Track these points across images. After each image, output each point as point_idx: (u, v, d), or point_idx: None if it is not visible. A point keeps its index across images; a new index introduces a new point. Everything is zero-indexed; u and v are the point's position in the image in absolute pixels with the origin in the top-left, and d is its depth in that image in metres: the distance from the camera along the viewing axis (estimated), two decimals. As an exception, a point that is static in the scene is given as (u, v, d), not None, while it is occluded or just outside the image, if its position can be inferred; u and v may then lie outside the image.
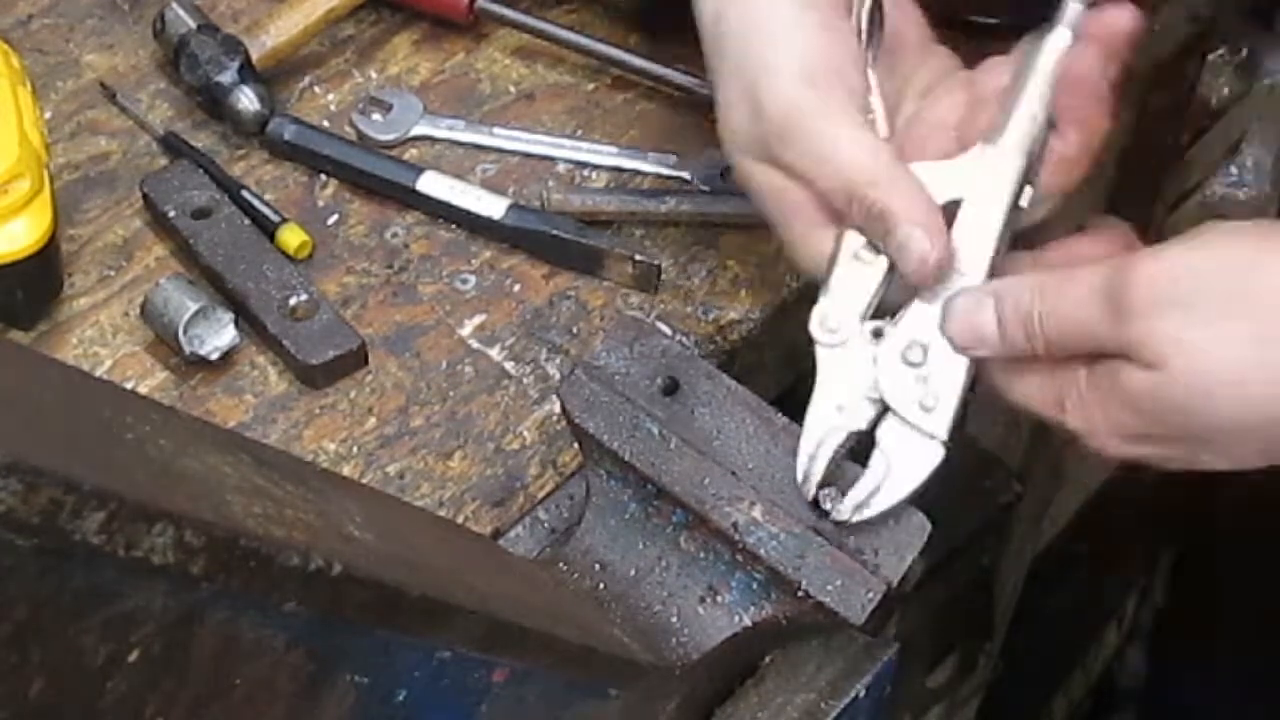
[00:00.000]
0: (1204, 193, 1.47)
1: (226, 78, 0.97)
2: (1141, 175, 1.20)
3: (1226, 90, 1.40)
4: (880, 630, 0.72)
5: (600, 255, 0.93)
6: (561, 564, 0.73)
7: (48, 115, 0.98)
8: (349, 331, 0.88)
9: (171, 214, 0.93)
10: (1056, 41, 0.73)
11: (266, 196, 0.95)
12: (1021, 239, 0.73)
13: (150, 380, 0.87)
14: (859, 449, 0.71)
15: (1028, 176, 0.72)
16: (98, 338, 0.89)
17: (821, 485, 0.70)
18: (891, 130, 0.75)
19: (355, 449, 0.85)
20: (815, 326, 0.72)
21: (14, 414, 0.39)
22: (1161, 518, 2.02)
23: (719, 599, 0.71)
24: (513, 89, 1.05)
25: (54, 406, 0.41)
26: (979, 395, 1.43)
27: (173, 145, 0.98)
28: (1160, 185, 1.29)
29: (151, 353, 0.89)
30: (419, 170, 0.97)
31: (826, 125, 0.72)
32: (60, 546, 0.38)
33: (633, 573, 0.72)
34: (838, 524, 0.70)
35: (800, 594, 0.69)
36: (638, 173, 1.00)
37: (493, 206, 0.95)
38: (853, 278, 0.72)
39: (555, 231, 0.94)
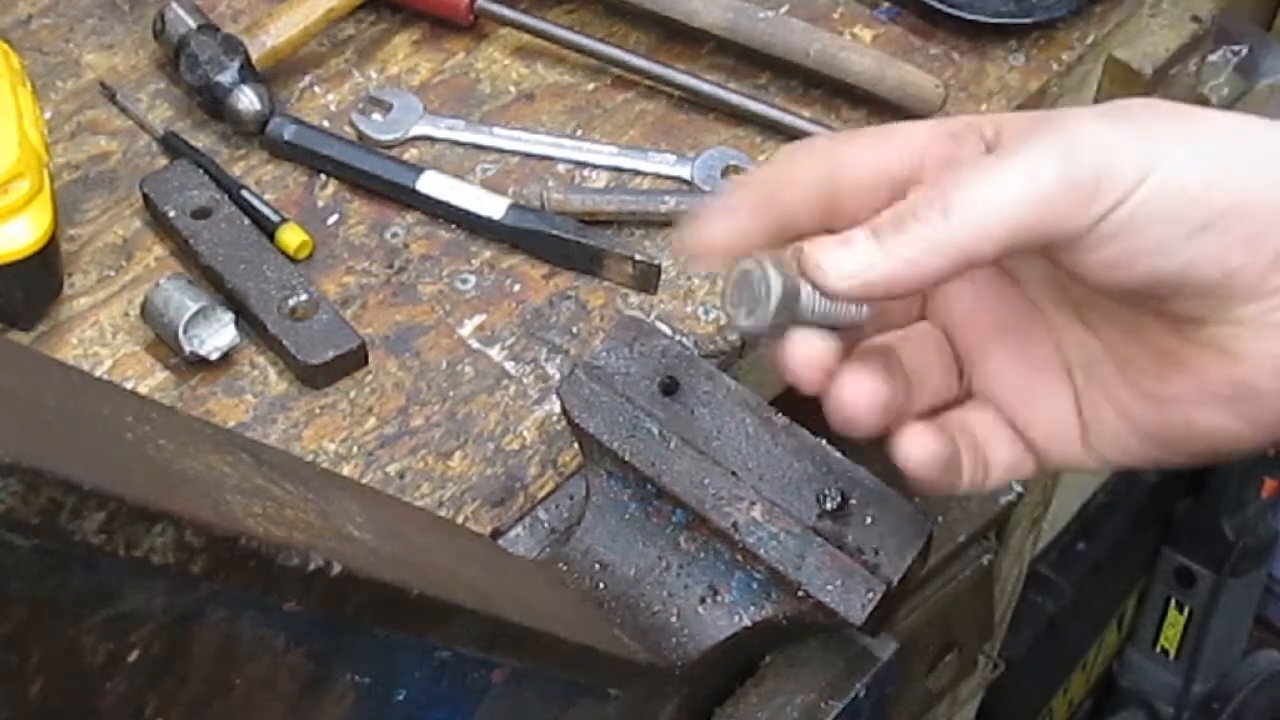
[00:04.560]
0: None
1: (226, 78, 0.97)
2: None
3: (1226, 90, 1.40)
4: (880, 630, 0.72)
5: (600, 255, 0.93)
6: (561, 564, 0.73)
7: (48, 115, 0.98)
8: (349, 331, 0.88)
9: (171, 214, 0.93)
10: None
11: (266, 196, 0.95)
12: None
13: (150, 380, 0.87)
14: None
15: None
16: (98, 338, 0.89)
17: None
18: None
19: (355, 449, 0.85)
20: None
21: (14, 414, 0.39)
22: (1161, 518, 2.02)
23: (719, 599, 0.71)
24: (513, 89, 1.05)
25: (54, 406, 0.41)
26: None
27: (173, 145, 0.98)
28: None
29: (151, 353, 0.89)
30: (419, 170, 0.97)
31: None
32: (60, 546, 0.38)
33: (633, 573, 0.72)
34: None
35: (800, 594, 0.69)
36: (638, 173, 1.00)
37: (493, 206, 0.95)
38: None
39: (555, 231, 0.94)
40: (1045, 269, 0.57)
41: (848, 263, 0.53)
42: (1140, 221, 0.51)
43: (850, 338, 0.57)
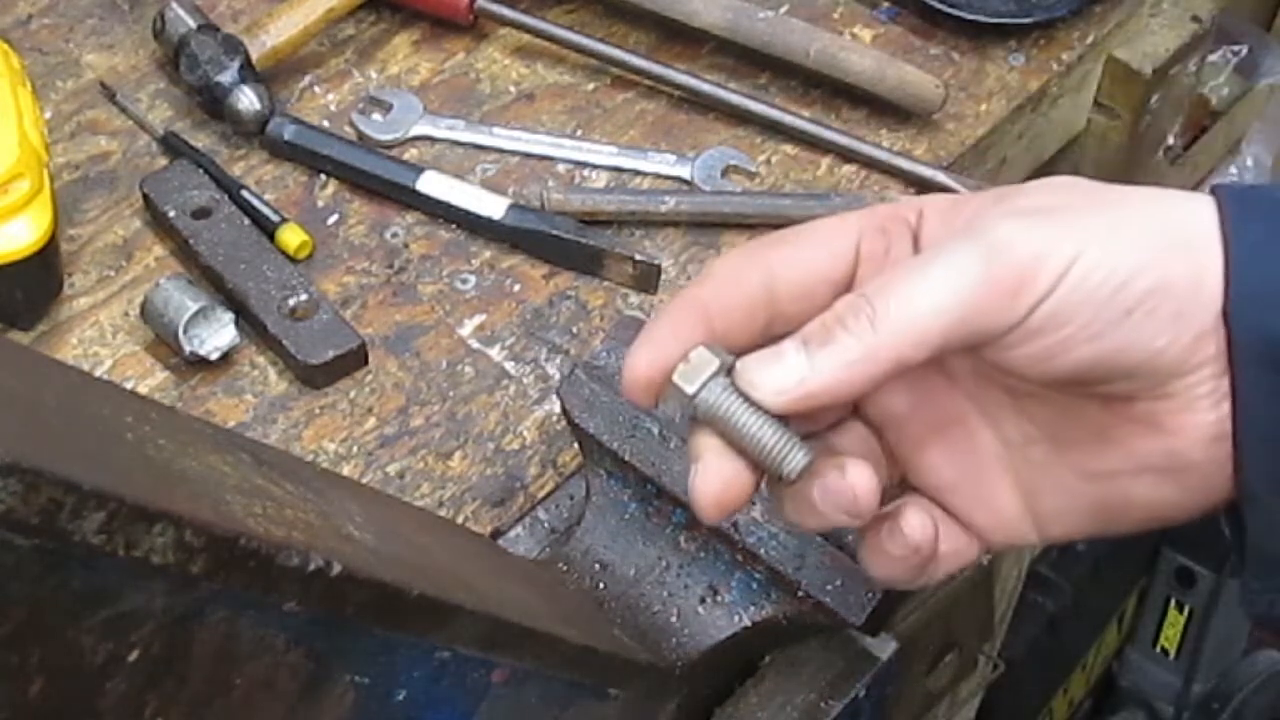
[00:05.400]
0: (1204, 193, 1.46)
1: (226, 78, 0.97)
2: (1141, 175, 1.20)
3: (1226, 90, 1.40)
4: (880, 630, 0.72)
5: (600, 255, 0.93)
6: (561, 564, 0.73)
7: (48, 115, 0.98)
8: (349, 331, 0.88)
9: (171, 214, 0.93)
10: None
11: (266, 196, 0.95)
12: None
13: (150, 380, 0.87)
14: None
15: None
16: (98, 338, 0.89)
17: None
18: None
19: (355, 449, 0.85)
20: None
21: (14, 414, 0.39)
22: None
23: (719, 599, 0.71)
24: (513, 89, 1.05)
25: (54, 406, 0.41)
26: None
27: (173, 145, 0.98)
28: (1160, 185, 1.28)
29: (151, 353, 0.89)
30: (419, 170, 0.97)
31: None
32: (60, 546, 0.38)
33: (633, 573, 0.72)
34: None
35: (800, 594, 0.69)
36: (638, 173, 1.00)
37: (493, 206, 0.95)
38: None
39: (555, 231, 0.94)
40: (977, 363, 0.57)
41: (781, 378, 0.53)
42: (1064, 315, 0.52)
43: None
